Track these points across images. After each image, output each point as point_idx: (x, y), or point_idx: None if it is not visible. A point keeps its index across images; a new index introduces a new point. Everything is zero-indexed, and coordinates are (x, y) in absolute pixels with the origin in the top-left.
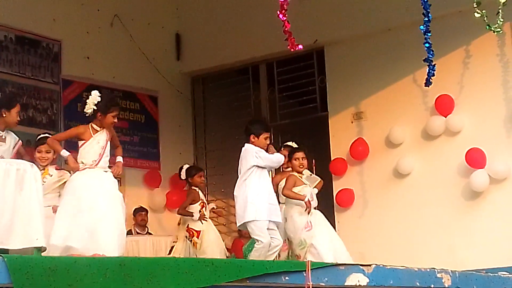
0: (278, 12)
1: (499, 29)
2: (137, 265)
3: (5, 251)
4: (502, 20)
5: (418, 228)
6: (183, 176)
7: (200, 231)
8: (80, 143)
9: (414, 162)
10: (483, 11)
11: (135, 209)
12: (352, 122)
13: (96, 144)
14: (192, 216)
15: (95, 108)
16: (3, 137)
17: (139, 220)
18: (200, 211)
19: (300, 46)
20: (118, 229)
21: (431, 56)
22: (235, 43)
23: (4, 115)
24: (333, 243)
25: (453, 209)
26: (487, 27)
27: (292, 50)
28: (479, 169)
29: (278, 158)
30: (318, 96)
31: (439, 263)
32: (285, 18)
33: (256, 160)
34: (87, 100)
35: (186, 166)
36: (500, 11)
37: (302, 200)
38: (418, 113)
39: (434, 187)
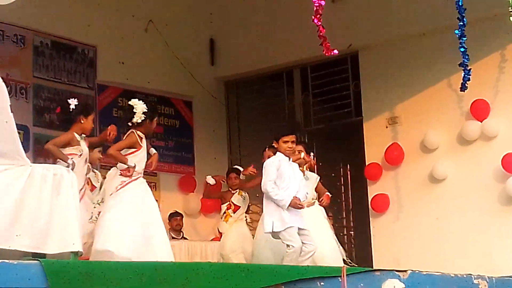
0: (313, 17)
1: None
2: (173, 270)
3: (42, 256)
4: None
5: (453, 234)
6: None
7: (222, 233)
8: (130, 150)
9: (450, 167)
10: None
11: (170, 214)
12: (386, 127)
13: (144, 151)
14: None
15: (144, 116)
16: (80, 142)
17: (174, 225)
18: (225, 212)
19: (336, 51)
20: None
21: (466, 61)
22: (269, 48)
23: (82, 122)
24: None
25: (489, 214)
26: None
27: (327, 55)
28: None
29: (275, 198)
30: (352, 100)
31: (475, 268)
32: (319, 23)
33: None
34: (135, 110)
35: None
36: None
37: None
38: (454, 117)
39: (469, 192)
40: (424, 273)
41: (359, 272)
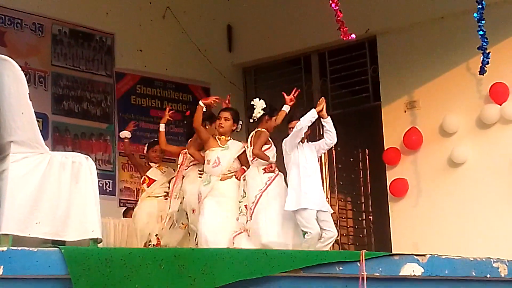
0: (330, 1)
1: None
2: (192, 256)
3: (61, 243)
4: None
5: (472, 218)
6: None
7: None
8: (265, 147)
9: (469, 151)
10: None
11: None
12: (405, 111)
13: (273, 146)
14: None
15: (263, 112)
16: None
17: None
18: None
19: (353, 36)
20: None
21: (485, 44)
22: (287, 33)
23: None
24: None
25: (508, 197)
26: None
27: (345, 39)
28: None
29: (306, 119)
30: (370, 85)
31: (494, 252)
32: (337, 8)
33: (284, 148)
34: (255, 105)
35: None
36: None
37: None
38: (472, 101)
39: (489, 176)
40: (443, 257)
41: (378, 256)
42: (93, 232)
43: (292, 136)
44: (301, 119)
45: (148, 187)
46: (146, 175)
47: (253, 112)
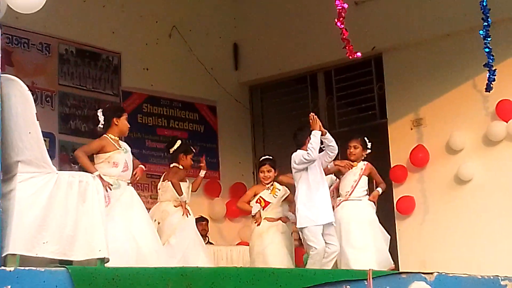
0: (336, 20)
1: None
2: (199, 275)
3: (69, 263)
4: None
5: (479, 235)
6: None
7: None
8: None
9: (475, 168)
10: None
11: (196, 218)
12: (411, 129)
13: None
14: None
15: None
16: (121, 145)
17: (199, 229)
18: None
19: (359, 54)
20: None
21: (491, 61)
22: (293, 51)
23: (116, 123)
24: None
25: None
26: None
27: (350, 57)
28: None
29: (315, 143)
30: (377, 103)
31: (502, 270)
32: (343, 26)
33: (295, 165)
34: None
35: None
36: None
37: None
38: (479, 118)
39: (495, 193)
40: (451, 275)
41: (385, 275)
42: (100, 252)
43: (304, 163)
44: (311, 148)
45: (263, 209)
46: (261, 197)
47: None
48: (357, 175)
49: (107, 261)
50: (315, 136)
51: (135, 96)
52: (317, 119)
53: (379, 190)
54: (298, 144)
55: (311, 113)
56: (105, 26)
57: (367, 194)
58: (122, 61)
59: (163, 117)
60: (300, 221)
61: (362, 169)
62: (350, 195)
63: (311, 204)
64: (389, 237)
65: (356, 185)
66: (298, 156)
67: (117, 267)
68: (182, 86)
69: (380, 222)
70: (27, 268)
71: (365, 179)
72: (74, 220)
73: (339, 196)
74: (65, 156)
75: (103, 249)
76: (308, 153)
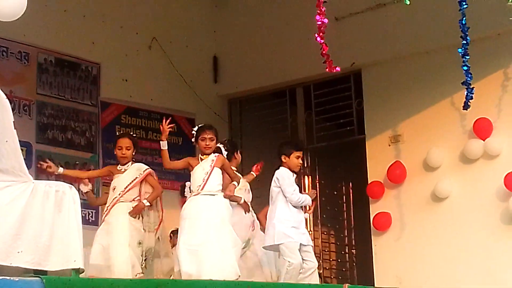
0: (316, 35)
1: None
2: (174, 287)
3: (43, 273)
4: None
5: (455, 252)
6: None
7: None
8: None
9: (452, 185)
10: None
11: (172, 231)
12: (389, 145)
13: None
14: None
15: None
16: None
17: (176, 242)
18: None
19: (338, 68)
20: None
21: (469, 79)
22: (272, 65)
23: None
24: None
25: (491, 233)
26: None
27: (330, 72)
28: None
29: (302, 200)
30: (355, 119)
31: (477, 286)
32: (322, 41)
33: (281, 190)
34: None
35: None
36: None
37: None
38: (456, 136)
39: (472, 211)
40: None
41: None
42: (75, 262)
43: (295, 201)
44: (298, 199)
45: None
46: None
47: None
48: (208, 167)
49: (82, 272)
50: (308, 201)
51: (114, 107)
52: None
53: (235, 183)
54: (279, 155)
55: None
56: (85, 36)
57: (222, 190)
58: (102, 71)
59: (141, 129)
60: (277, 237)
61: (213, 160)
62: (202, 189)
63: (289, 223)
64: (241, 244)
65: (208, 178)
66: (284, 182)
67: (91, 278)
68: (161, 98)
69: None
70: (1, 277)
71: (218, 171)
72: (50, 229)
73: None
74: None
75: (78, 260)
76: (294, 198)
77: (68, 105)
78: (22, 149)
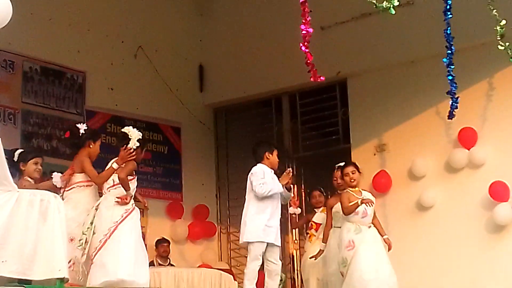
0: (301, 44)
1: None
2: None
3: (28, 282)
4: None
5: (441, 261)
6: None
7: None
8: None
9: (437, 194)
10: (507, 43)
11: (157, 240)
12: (374, 154)
13: (135, 179)
14: None
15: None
16: None
17: (161, 251)
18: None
19: (323, 78)
20: None
21: (454, 89)
22: (258, 75)
23: (90, 147)
24: (378, 263)
25: (476, 242)
26: (511, 59)
27: (314, 81)
28: (502, 202)
29: (268, 190)
30: (340, 128)
31: None
32: (307, 50)
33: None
34: (130, 136)
35: None
36: None
37: (359, 205)
38: (441, 145)
39: (457, 220)
40: None
41: None
42: (60, 272)
43: (261, 193)
44: (266, 189)
45: (316, 231)
46: (313, 221)
47: (128, 143)
48: None
49: (67, 281)
50: (276, 188)
51: (99, 115)
52: (290, 177)
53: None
54: (257, 159)
55: (289, 169)
56: (70, 45)
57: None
58: (87, 80)
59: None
60: (248, 235)
61: None
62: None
63: (260, 221)
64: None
65: None
66: (256, 177)
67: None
68: (147, 107)
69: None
70: None
71: None
72: (35, 239)
73: None
74: None
75: (63, 269)
76: (259, 189)
77: (53, 114)
78: (6, 158)
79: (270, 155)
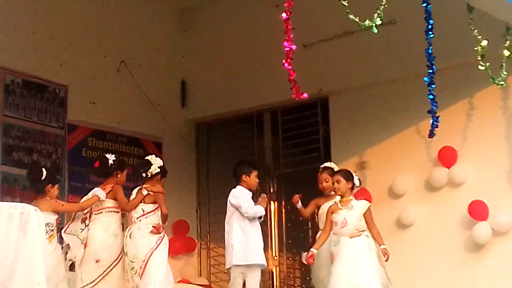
0: (284, 61)
1: (503, 82)
2: None
3: None
4: (506, 73)
5: (420, 279)
6: None
7: None
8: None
9: (417, 213)
10: (487, 64)
11: None
12: (355, 172)
13: None
14: None
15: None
16: None
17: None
18: None
19: (305, 95)
20: None
21: (435, 108)
22: (240, 90)
23: (118, 176)
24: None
25: (455, 260)
26: (491, 80)
27: (297, 98)
28: (481, 221)
29: (258, 211)
30: (321, 145)
31: None
32: (290, 67)
33: (232, 201)
34: (152, 162)
35: None
36: (504, 64)
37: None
38: (421, 164)
39: (436, 239)
40: None
41: None
42: (39, 285)
43: (248, 213)
44: (251, 212)
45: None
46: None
47: (149, 168)
48: None
49: None
50: (259, 211)
51: (81, 129)
52: (266, 202)
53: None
54: (236, 180)
55: (264, 195)
56: (53, 59)
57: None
58: (69, 94)
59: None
60: (237, 258)
61: None
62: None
63: (247, 243)
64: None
65: None
66: (241, 198)
67: None
68: (129, 121)
69: None
70: None
71: None
72: (14, 251)
73: None
74: (7, 188)
75: (42, 282)
76: (250, 210)
77: (35, 127)
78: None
79: (247, 177)
